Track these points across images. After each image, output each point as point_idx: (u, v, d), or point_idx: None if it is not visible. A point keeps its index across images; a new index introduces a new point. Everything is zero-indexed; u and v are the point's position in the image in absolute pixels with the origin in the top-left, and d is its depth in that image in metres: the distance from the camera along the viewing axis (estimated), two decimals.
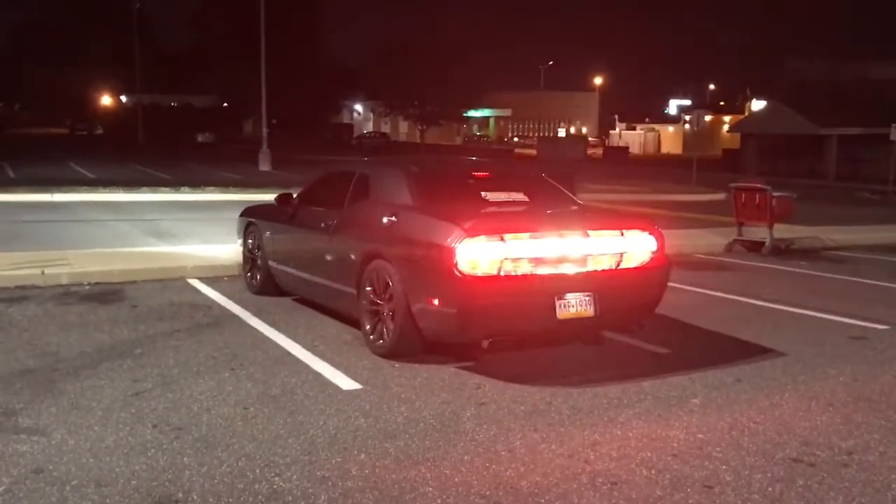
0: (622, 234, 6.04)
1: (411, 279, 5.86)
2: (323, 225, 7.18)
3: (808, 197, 21.70)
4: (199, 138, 63.96)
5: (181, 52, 76.49)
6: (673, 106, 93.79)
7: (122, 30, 69.74)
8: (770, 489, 3.94)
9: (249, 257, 8.74)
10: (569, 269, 5.77)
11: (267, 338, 6.74)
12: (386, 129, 78.21)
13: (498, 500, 3.76)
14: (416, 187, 6.54)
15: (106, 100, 78.49)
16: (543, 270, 5.69)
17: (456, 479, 3.97)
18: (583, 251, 5.84)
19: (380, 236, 6.32)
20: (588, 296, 5.78)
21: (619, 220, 6.51)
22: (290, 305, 7.97)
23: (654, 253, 6.18)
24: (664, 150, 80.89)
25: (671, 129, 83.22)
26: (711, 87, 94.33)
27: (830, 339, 7.04)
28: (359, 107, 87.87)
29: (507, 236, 5.58)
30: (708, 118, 64.84)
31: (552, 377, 5.72)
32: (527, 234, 5.68)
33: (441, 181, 7.01)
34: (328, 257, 7.05)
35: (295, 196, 8.13)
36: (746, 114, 64.37)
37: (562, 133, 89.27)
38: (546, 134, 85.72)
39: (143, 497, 3.72)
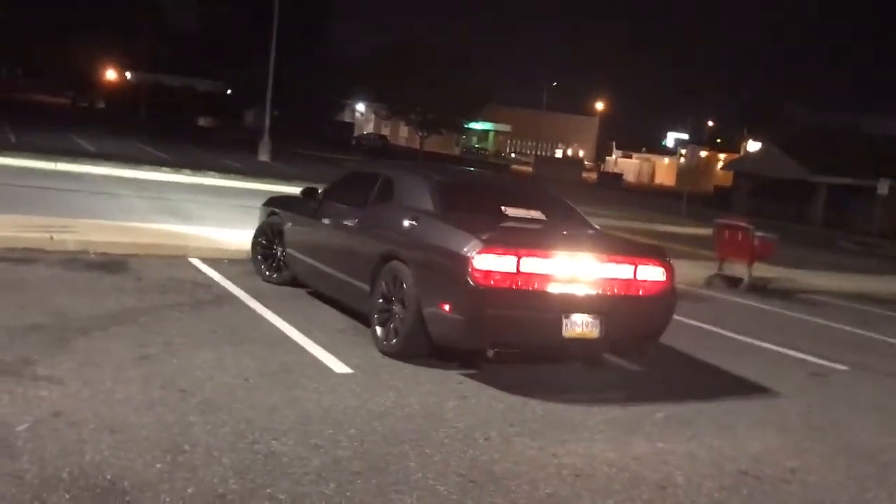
0: (634, 263, 6.21)
1: (425, 283, 6.06)
2: (345, 222, 7.42)
3: (793, 240, 22.33)
4: (201, 122, 64.20)
5: (190, 33, 76.56)
6: (671, 138, 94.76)
7: (132, 5, 69.88)
8: (717, 494, 4.38)
9: (266, 245, 8.89)
10: (578, 290, 5.95)
11: (265, 319, 7.13)
12: (386, 132, 78.66)
13: (473, 479, 4.18)
14: (439, 195, 6.79)
15: (111, 74, 78.47)
16: (554, 289, 5.87)
17: (436, 458, 4.39)
18: (594, 275, 6.02)
19: (399, 239, 6.55)
20: (595, 318, 5.96)
21: (632, 248, 6.81)
22: (287, 293, 8.34)
23: (663, 283, 6.34)
24: (658, 180, 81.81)
25: (666, 160, 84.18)
26: (710, 123, 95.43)
27: (791, 374, 7.50)
28: (361, 107, 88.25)
29: (522, 252, 5.79)
30: (703, 154, 65.79)
31: (529, 382, 6.12)
32: (541, 252, 5.88)
33: (464, 192, 7.28)
34: (347, 254, 7.25)
35: (320, 191, 8.40)
36: (741, 153, 65.28)
37: (559, 154, 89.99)
38: (543, 153, 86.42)
39: (153, 445, 4.11)
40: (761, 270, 13.41)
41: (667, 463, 4.75)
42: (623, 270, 6.15)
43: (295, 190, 9.42)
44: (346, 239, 7.34)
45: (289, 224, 8.58)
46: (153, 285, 7.97)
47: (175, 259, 9.49)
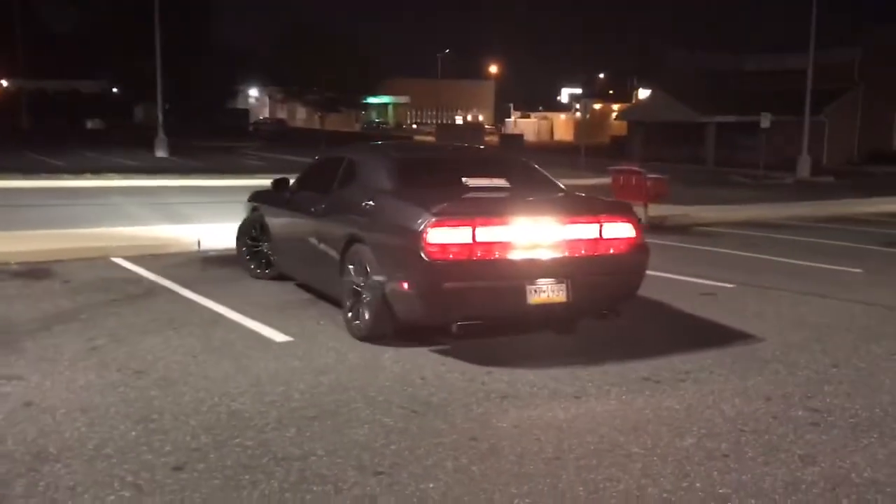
0: (598, 221, 6.15)
1: (385, 262, 6.05)
2: (313, 209, 7.43)
3: (689, 180, 23.67)
4: (89, 125, 62.24)
5: (68, 33, 73.69)
6: (565, 94, 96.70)
7: (2, 10, 66.80)
8: (624, 397, 5.10)
9: (251, 242, 8.82)
10: (541, 255, 5.88)
11: (200, 304, 7.52)
12: (283, 115, 77.80)
13: (414, 409, 4.78)
14: (396, 172, 6.83)
15: None
16: (515, 256, 5.81)
17: (380, 399, 4.96)
18: (556, 238, 5.94)
19: (359, 220, 6.54)
20: (561, 282, 5.91)
21: (596, 207, 6.53)
22: (219, 278, 8.71)
23: (632, 240, 6.28)
24: (557, 137, 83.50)
25: (563, 116, 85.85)
26: (601, 75, 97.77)
27: (684, 295, 8.36)
28: (254, 92, 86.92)
29: (478, 221, 5.74)
30: (597, 106, 67.63)
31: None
32: (498, 220, 5.82)
33: (424, 167, 7.26)
34: (316, 241, 7.29)
35: (292, 181, 8.43)
36: (633, 102, 67.42)
37: (459, 120, 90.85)
38: (444, 121, 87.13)
39: (125, 418, 4.54)
40: (659, 211, 14.37)
41: (580, 378, 5.45)
42: (587, 230, 6.10)
43: (195, 182, 9.60)
44: (315, 226, 7.37)
45: (269, 218, 8.58)
46: (83, 286, 8.21)
47: (98, 260, 9.69)
